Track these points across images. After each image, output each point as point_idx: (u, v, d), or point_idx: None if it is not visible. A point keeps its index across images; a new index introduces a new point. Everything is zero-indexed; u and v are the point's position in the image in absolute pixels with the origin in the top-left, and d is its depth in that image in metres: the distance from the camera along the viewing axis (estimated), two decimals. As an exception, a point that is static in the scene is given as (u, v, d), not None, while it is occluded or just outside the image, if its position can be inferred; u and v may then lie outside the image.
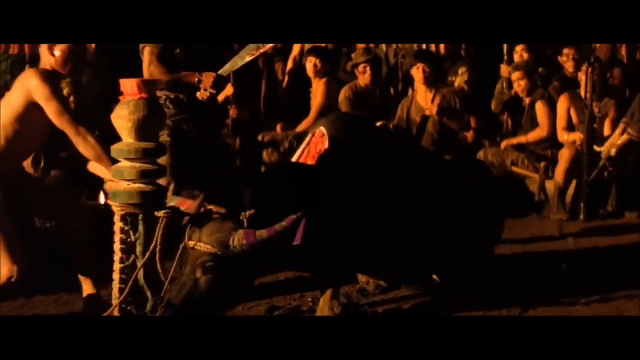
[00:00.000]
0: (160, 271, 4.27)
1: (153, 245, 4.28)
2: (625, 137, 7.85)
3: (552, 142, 8.39)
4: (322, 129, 4.77)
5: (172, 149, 5.31)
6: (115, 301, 4.54)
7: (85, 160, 5.02)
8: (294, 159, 4.90)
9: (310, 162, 4.74)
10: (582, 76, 8.10)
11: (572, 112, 8.24)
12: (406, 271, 5.07)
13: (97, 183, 6.23)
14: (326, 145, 4.68)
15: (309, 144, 4.83)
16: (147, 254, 4.32)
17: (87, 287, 5.13)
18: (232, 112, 6.48)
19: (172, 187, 5.27)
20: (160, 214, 4.32)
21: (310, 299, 5.15)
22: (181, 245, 4.28)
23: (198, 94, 5.59)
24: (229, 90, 6.43)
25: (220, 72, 5.43)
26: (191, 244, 4.25)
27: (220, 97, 6.36)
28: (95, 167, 5.01)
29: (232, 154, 6.87)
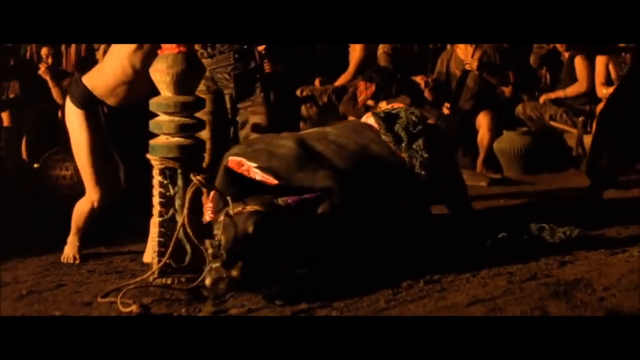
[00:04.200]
0: (190, 233, 4.29)
1: (185, 207, 4.33)
2: None
3: (590, 97, 8.35)
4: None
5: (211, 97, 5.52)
6: (153, 254, 4.59)
7: None
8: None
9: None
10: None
11: (611, 67, 8.16)
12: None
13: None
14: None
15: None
16: (185, 209, 4.35)
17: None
18: (266, 66, 6.47)
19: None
20: (195, 178, 4.36)
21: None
22: (221, 217, 4.22)
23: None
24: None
25: None
26: (235, 210, 4.22)
27: None
28: None
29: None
